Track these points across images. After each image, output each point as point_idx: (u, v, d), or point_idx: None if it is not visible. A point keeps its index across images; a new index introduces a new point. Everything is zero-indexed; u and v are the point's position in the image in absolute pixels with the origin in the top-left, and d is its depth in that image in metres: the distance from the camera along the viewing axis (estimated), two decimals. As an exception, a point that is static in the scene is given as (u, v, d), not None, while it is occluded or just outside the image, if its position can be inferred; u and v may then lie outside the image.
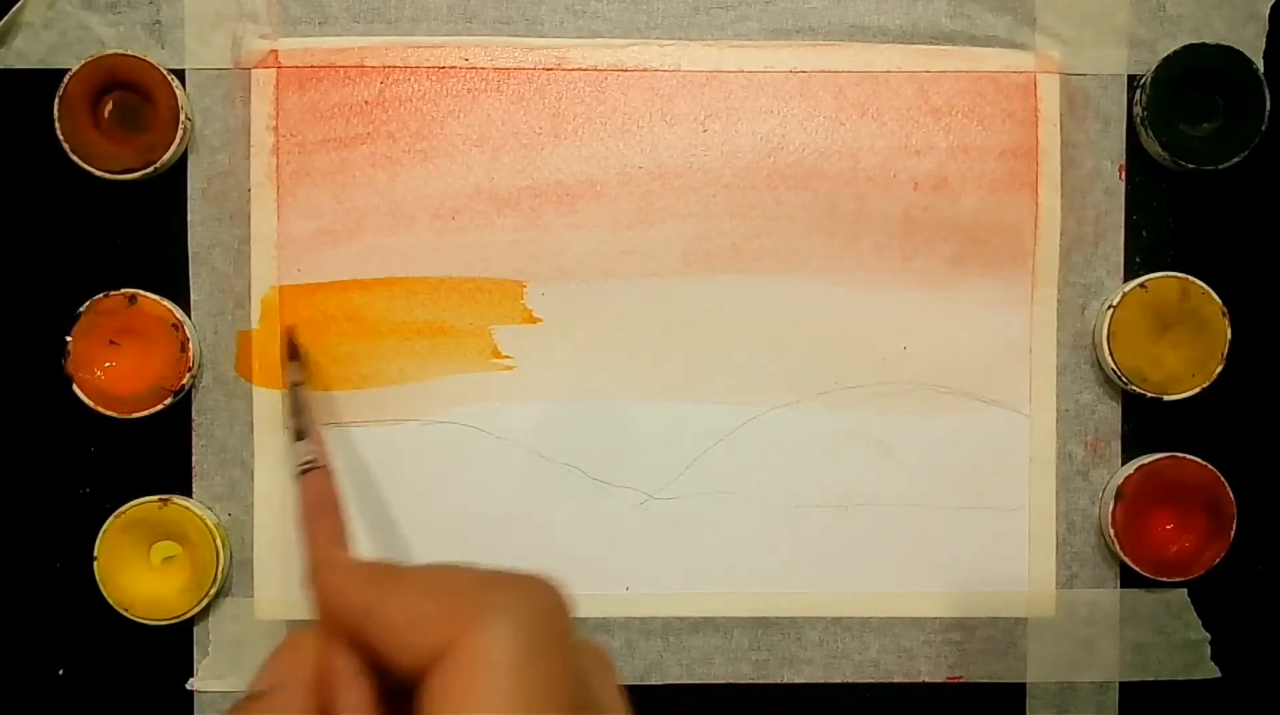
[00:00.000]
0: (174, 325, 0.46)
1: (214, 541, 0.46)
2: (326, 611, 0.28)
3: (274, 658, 0.28)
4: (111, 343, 0.46)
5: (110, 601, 0.46)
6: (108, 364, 0.46)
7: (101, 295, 0.46)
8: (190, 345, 0.46)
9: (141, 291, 0.46)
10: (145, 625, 0.47)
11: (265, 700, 0.27)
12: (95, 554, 0.46)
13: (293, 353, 0.47)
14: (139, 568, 0.47)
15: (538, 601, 0.28)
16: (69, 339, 0.46)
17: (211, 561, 0.46)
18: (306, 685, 0.27)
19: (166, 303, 0.46)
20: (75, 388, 0.46)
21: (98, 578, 0.46)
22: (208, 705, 0.48)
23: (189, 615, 0.46)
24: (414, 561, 0.31)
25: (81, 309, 0.46)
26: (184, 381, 0.46)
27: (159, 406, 0.46)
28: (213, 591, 0.46)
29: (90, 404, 0.46)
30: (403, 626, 0.26)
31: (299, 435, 0.42)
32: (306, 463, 0.40)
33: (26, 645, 0.48)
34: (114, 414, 0.46)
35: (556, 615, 0.28)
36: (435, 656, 0.25)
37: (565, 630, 0.28)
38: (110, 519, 0.46)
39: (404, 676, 0.26)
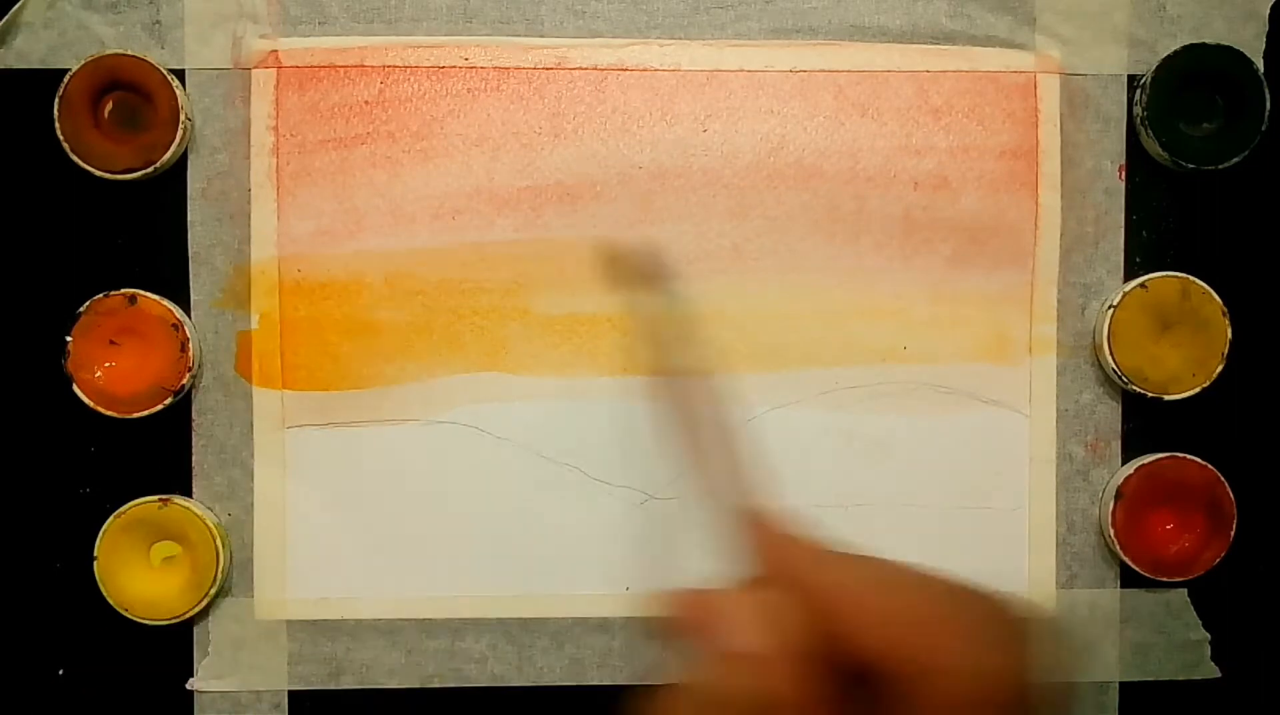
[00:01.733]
0: (174, 325, 0.46)
1: (214, 541, 0.46)
2: (806, 597, 0.28)
3: (747, 615, 0.28)
4: (111, 343, 0.46)
5: (110, 601, 0.46)
6: (108, 364, 0.46)
7: (101, 295, 0.46)
8: (190, 345, 0.46)
9: (141, 291, 0.46)
10: (145, 625, 0.47)
11: (757, 666, 0.26)
12: (95, 554, 0.46)
13: (640, 273, 0.43)
14: (139, 568, 0.47)
15: (1015, 638, 0.27)
16: (69, 339, 0.46)
17: (211, 561, 0.46)
18: (795, 657, 0.27)
19: (166, 303, 0.46)
20: (75, 388, 0.46)
21: (98, 578, 0.46)
22: (208, 705, 0.48)
23: (189, 615, 0.46)
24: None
25: (81, 309, 0.46)
26: (184, 381, 0.46)
27: (159, 406, 0.46)
28: (213, 591, 0.46)
29: (90, 404, 0.46)
30: (898, 632, 0.26)
31: (670, 361, 0.39)
32: (682, 383, 0.37)
33: (26, 645, 0.48)
34: (114, 414, 0.46)
35: (1024, 654, 0.27)
36: (912, 672, 0.25)
37: (1025, 670, 0.27)
38: (110, 519, 0.46)
39: (871, 672, 0.26)
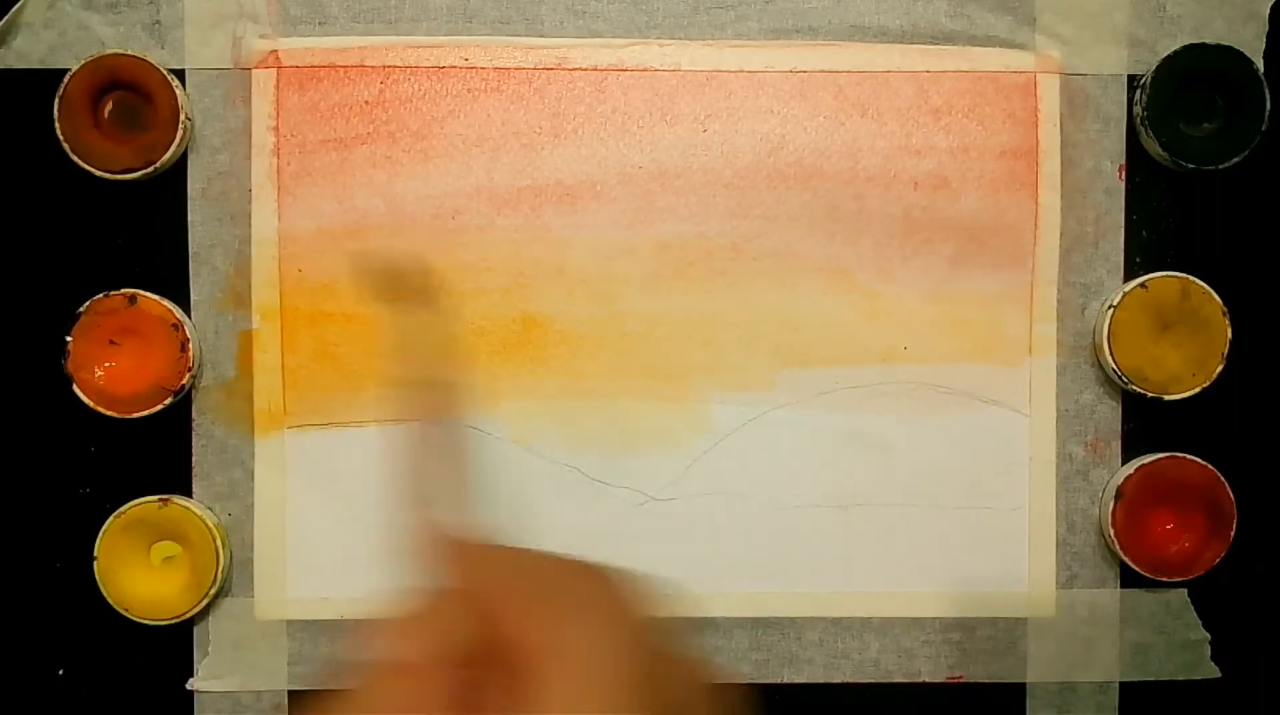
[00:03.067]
0: (174, 325, 0.46)
1: (214, 541, 0.46)
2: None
3: (407, 627, 0.27)
4: (111, 343, 0.46)
5: (110, 601, 0.46)
6: (108, 364, 0.46)
7: (101, 295, 0.46)
8: (190, 345, 0.46)
9: (141, 291, 0.46)
10: (145, 625, 0.47)
11: (416, 672, 0.26)
12: (95, 554, 0.46)
13: (404, 286, 0.42)
14: (139, 568, 0.47)
15: (628, 611, 0.27)
16: (69, 339, 0.46)
17: (211, 561, 0.46)
18: (428, 659, 0.26)
19: (166, 303, 0.46)
20: (75, 388, 0.46)
21: (98, 578, 0.46)
22: (208, 705, 0.48)
23: (189, 615, 0.46)
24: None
25: (81, 309, 0.46)
26: (184, 381, 0.46)
27: (159, 406, 0.46)
28: (213, 591, 0.46)
29: (90, 404, 0.46)
30: (494, 618, 0.26)
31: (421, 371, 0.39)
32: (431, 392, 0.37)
33: (27, 645, 0.48)
34: (114, 414, 0.46)
35: (641, 628, 0.27)
36: (516, 656, 0.25)
37: (642, 631, 0.27)
38: (110, 519, 0.46)
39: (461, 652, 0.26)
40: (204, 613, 0.47)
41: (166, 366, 0.46)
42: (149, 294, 0.46)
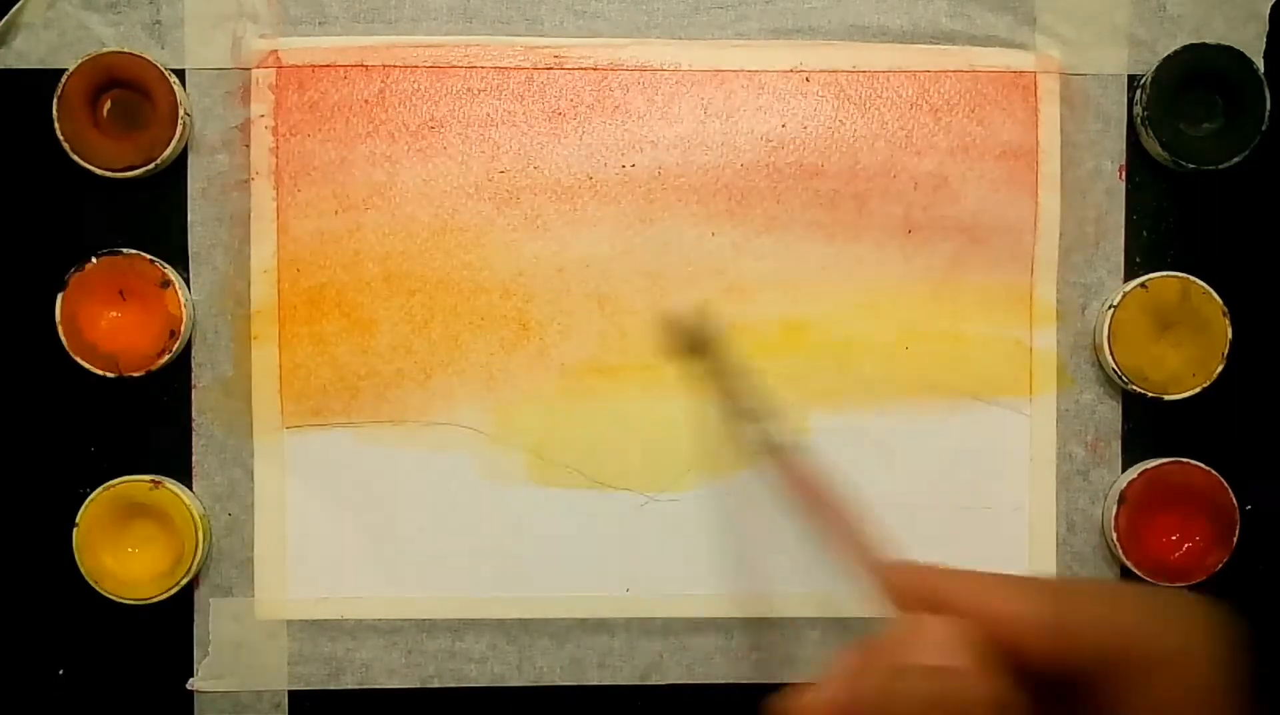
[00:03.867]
0: (163, 283, 0.46)
1: (195, 532, 0.46)
2: (971, 616, 0.30)
3: (922, 636, 0.29)
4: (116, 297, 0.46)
5: (82, 571, 0.46)
6: (112, 314, 0.46)
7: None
8: (180, 291, 0.46)
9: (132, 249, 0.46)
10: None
11: (947, 676, 0.28)
12: (77, 521, 0.46)
13: (700, 340, 0.46)
14: (117, 544, 0.47)
15: (1228, 630, 0.30)
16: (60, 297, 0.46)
17: (190, 551, 0.46)
18: (979, 668, 0.29)
19: (159, 262, 0.46)
20: (71, 353, 0.46)
21: (75, 545, 0.46)
22: (208, 705, 0.48)
23: (155, 599, 0.46)
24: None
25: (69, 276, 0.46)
26: (182, 328, 0.46)
27: (162, 359, 0.46)
28: (184, 581, 0.46)
29: (93, 369, 0.46)
30: (1097, 637, 0.29)
31: (751, 416, 0.41)
32: (775, 443, 0.39)
33: (26, 645, 0.48)
34: (109, 373, 0.46)
35: (1238, 645, 0.30)
36: (1130, 667, 0.28)
37: (1241, 662, 0.30)
38: (99, 489, 0.46)
39: (1058, 678, 0.28)
40: (189, 606, 0.48)
41: (162, 322, 0.46)
42: (141, 253, 0.46)
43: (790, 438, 0.40)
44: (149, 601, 0.46)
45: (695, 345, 0.46)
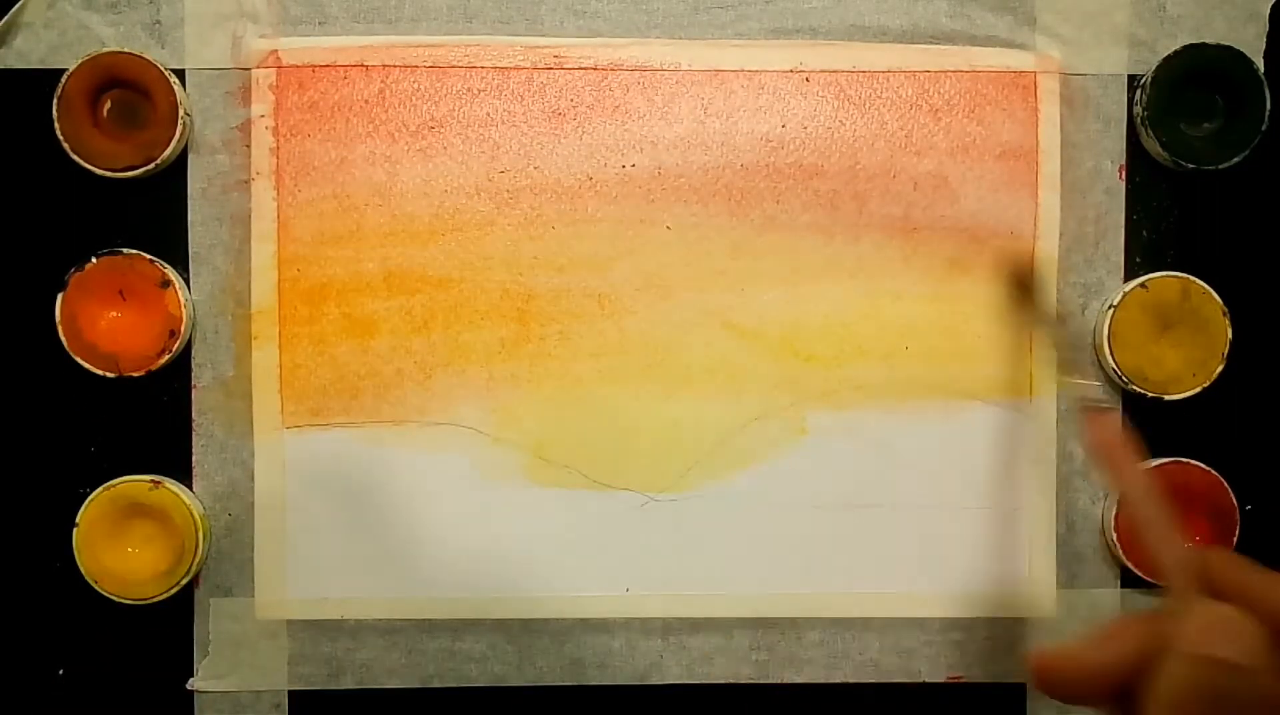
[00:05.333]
0: (163, 283, 0.46)
1: (196, 532, 0.46)
2: (1259, 611, 0.29)
3: (1229, 629, 0.29)
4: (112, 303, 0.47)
5: (81, 570, 0.46)
6: (112, 314, 0.46)
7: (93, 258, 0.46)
8: (180, 291, 0.46)
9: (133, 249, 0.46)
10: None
11: (1252, 675, 0.28)
12: (77, 521, 0.46)
13: (1029, 285, 0.46)
14: (117, 543, 0.47)
15: None
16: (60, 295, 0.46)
17: (190, 552, 0.46)
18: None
19: (158, 262, 0.46)
20: (71, 353, 0.46)
21: (75, 545, 0.46)
22: (208, 705, 0.48)
23: (154, 599, 0.46)
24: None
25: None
26: (182, 327, 0.46)
27: (164, 357, 0.46)
28: (183, 581, 0.46)
29: (93, 369, 0.46)
30: None
31: (1075, 370, 0.41)
32: (1095, 403, 0.39)
33: (27, 645, 0.48)
34: (109, 373, 0.46)
35: None
36: None
37: None
38: (99, 489, 0.46)
39: None
40: (189, 606, 0.48)
41: (162, 320, 0.46)
42: (142, 253, 0.46)
43: (1106, 397, 0.40)
44: (149, 601, 0.46)
45: (1029, 293, 0.46)
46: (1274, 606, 0.30)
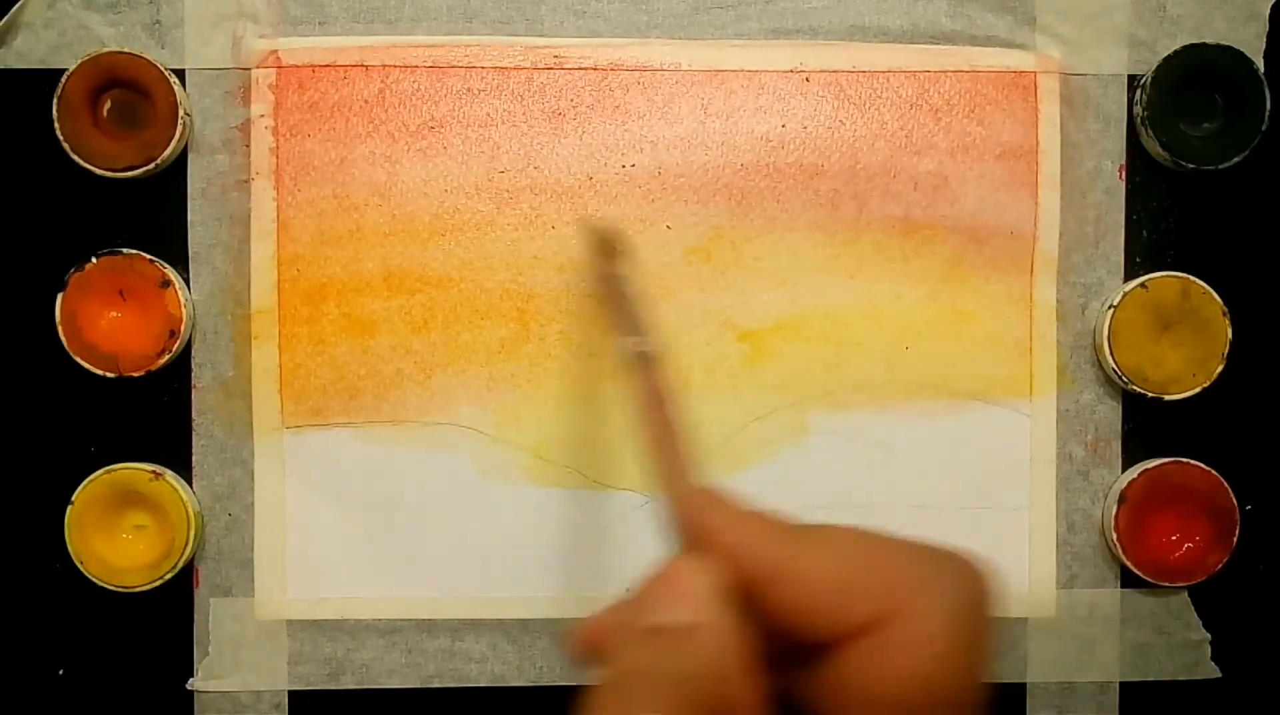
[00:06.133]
0: (163, 283, 0.46)
1: (188, 529, 0.46)
2: (727, 559, 0.27)
3: (673, 586, 0.27)
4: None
5: (70, 551, 0.46)
6: (112, 315, 0.46)
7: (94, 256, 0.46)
8: (180, 291, 0.46)
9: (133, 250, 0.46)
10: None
11: (692, 635, 0.25)
12: (72, 499, 0.46)
13: (610, 247, 0.45)
14: (108, 529, 0.47)
15: (976, 585, 0.27)
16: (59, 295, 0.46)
17: (179, 548, 0.46)
18: (731, 621, 0.26)
19: (159, 262, 0.46)
20: (72, 353, 0.46)
21: (67, 525, 0.46)
22: (208, 705, 0.48)
23: (138, 590, 0.46)
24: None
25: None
26: (181, 327, 0.46)
27: (163, 358, 0.46)
28: (168, 575, 0.46)
29: (93, 369, 0.46)
30: (826, 591, 0.25)
31: (626, 326, 0.40)
32: (639, 352, 0.38)
33: (26, 645, 0.48)
34: (109, 373, 0.46)
35: (986, 601, 0.27)
36: (862, 625, 0.25)
37: (989, 619, 0.27)
38: (99, 472, 0.46)
39: (798, 633, 0.26)
40: (189, 607, 0.48)
41: (162, 320, 0.46)
42: (142, 253, 0.46)
43: (656, 351, 0.37)
44: (131, 591, 0.46)
45: (605, 250, 0.45)
46: (735, 544, 0.27)
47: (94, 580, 0.46)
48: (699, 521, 0.28)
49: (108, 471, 0.46)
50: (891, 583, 0.25)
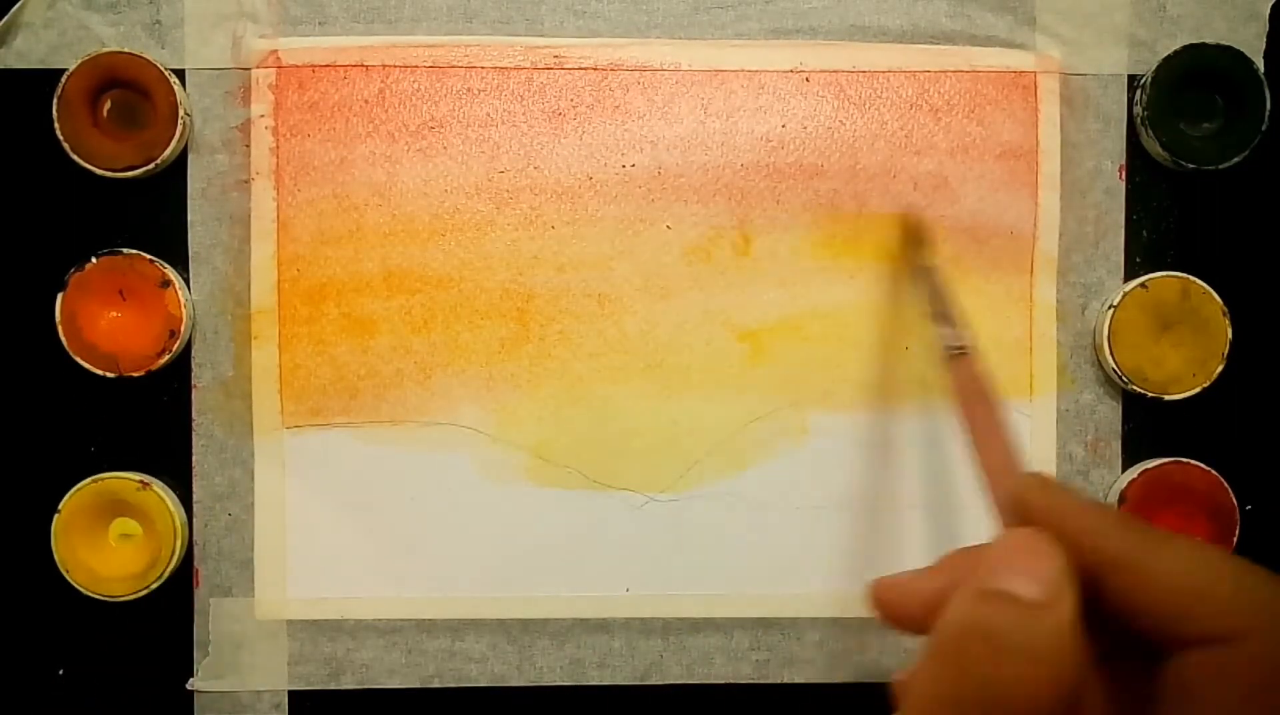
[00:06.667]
0: (163, 283, 0.46)
1: (175, 540, 0.46)
2: (1069, 545, 0.26)
3: (1024, 557, 0.26)
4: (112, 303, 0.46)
5: (55, 559, 0.46)
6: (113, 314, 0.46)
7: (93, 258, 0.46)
8: (180, 291, 0.46)
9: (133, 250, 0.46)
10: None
11: (1047, 610, 0.24)
12: (59, 508, 0.46)
13: (920, 236, 0.46)
14: (94, 537, 0.47)
15: None
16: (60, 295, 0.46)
17: (165, 559, 0.46)
18: (1078, 606, 0.25)
19: (158, 261, 0.46)
20: (72, 353, 0.46)
21: (53, 532, 0.46)
22: (208, 705, 0.48)
23: (122, 599, 0.46)
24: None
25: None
26: (181, 327, 0.46)
27: (163, 358, 0.46)
28: (153, 586, 0.46)
29: (92, 369, 0.46)
30: (1183, 593, 0.25)
31: (942, 319, 0.41)
32: (956, 348, 0.38)
33: (26, 645, 0.48)
34: (109, 373, 0.46)
35: None
36: (1212, 635, 0.25)
37: None
38: (86, 481, 0.46)
39: (1138, 629, 0.26)
40: (188, 606, 0.48)
41: (161, 319, 0.46)
42: (142, 253, 0.46)
43: (971, 343, 0.39)
44: (115, 600, 0.46)
45: (915, 240, 0.47)
46: (1079, 530, 0.26)
47: (80, 589, 0.46)
48: (1040, 505, 0.27)
49: (95, 480, 0.46)
50: (1248, 601, 0.25)
